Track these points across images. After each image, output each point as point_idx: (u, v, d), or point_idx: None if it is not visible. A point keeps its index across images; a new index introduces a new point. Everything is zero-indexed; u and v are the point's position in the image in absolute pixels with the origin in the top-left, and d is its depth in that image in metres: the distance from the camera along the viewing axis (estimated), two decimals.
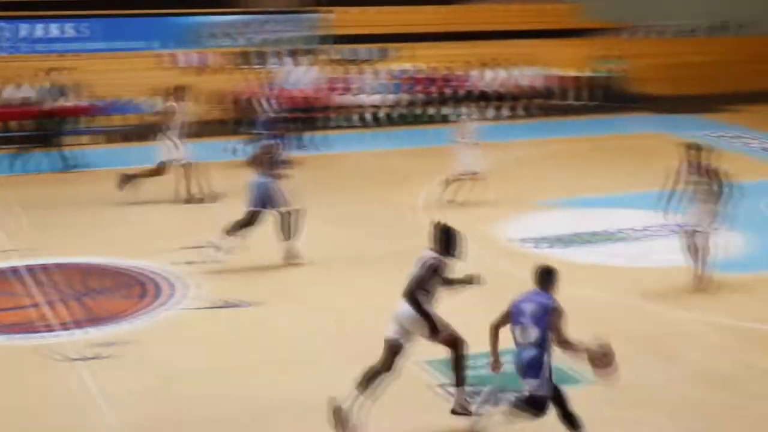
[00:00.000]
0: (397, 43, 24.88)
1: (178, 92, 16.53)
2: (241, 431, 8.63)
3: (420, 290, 8.27)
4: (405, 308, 8.30)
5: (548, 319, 7.71)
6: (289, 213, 13.15)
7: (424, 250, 8.49)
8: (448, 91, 23.60)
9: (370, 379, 8.29)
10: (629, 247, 14.38)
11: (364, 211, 15.80)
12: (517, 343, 7.83)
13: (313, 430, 8.43)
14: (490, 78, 23.81)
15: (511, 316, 7.88)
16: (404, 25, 25.44)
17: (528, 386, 7.73)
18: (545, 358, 7.74)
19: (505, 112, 24.08)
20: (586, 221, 15.51)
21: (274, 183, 13.14)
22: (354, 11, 25.61)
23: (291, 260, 13.15)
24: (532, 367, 7.71)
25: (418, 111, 23.76)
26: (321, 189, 16.39)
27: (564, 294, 11.70)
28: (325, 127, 22.53)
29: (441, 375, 9.47)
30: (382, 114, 23.67)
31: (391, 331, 8.35)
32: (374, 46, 24.78)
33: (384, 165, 19.46)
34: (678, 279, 12.85)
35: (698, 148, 12.38)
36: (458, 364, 8.51)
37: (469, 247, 13.17)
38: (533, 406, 7.73)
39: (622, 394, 9.46)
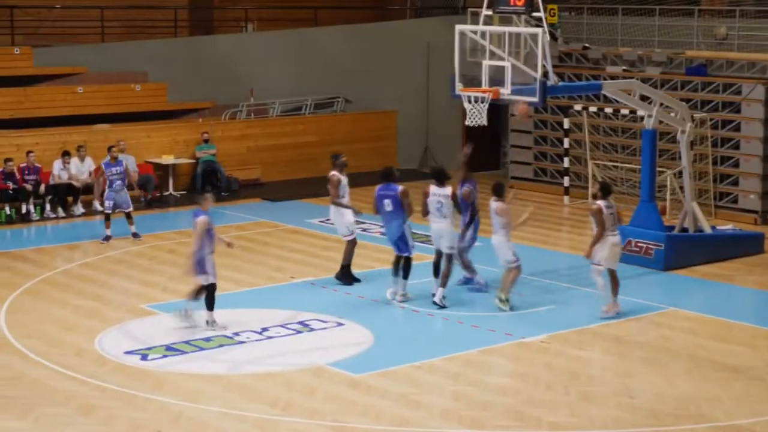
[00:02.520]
0: None
1: None
2: None
3: None
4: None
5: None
6: None
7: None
8: (27, 186, 23.40)
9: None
10: (250, 350, 15.05)
11: None
12: None
13: None
14: (77, 169, 23.90)
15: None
16: None
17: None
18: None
19: (98, 206, 24.23)
20: (198, 325, 16.05)
21: None
22: None
23: None
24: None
25: None
26: None
27: (178, 410, 12.29)
28: None
29: None
30: None
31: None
32: None
33: None
34: (309, 382, 13.71)
35: None
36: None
37: (70, 364, 13.43)
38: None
39: None
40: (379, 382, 13.75)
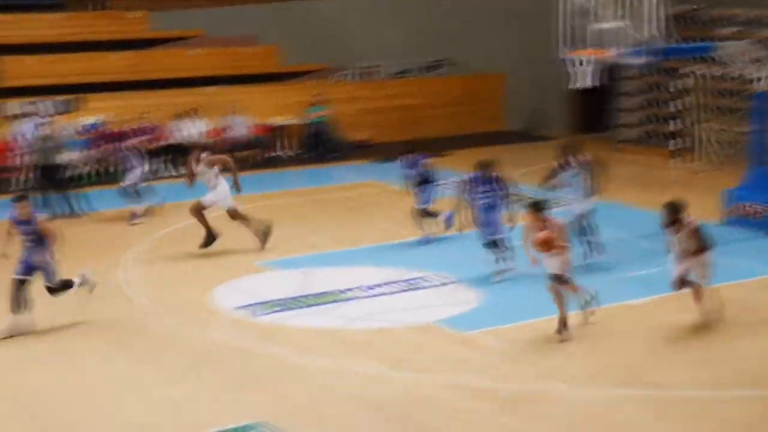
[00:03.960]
0: (82, 93, 24.99)
1: None
2: None
3: None
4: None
5: None
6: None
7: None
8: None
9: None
10: (359, 307, 15.28)
11: None
12: None
13: None
14: (189, 129, 24.38)
15: None
16: (88, 74, 25.64)
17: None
18: None
19: None
20: (310, 282, 16.32)
21: None
22: (29, 60, 25.45)
23: None
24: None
25: (112, 169, 23.98)
26: None
27: (291, 363, 12.49)
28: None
29: None
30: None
31: None
32: (55, 98, 24.76)
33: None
34: (417, 339, 13.83)
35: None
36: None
37: (185, 318, 13.72)
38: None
39: None
40: (487, 339, 13.87)
